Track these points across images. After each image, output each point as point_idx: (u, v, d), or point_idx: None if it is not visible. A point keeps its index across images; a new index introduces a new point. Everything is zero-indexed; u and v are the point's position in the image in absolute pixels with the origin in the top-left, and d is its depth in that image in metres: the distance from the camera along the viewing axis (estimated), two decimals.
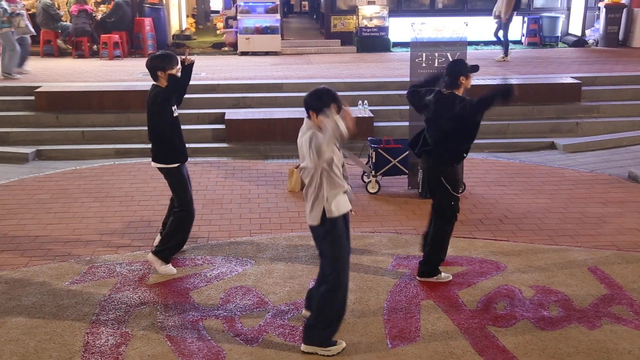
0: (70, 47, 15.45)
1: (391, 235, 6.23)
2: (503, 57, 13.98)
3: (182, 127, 5.56)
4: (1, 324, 4.64)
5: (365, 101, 9.91)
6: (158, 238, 5.77)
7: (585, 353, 4.27)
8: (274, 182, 8.01)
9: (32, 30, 12.67)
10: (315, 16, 25.14)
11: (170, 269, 5.47)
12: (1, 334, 4.51)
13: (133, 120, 10.15)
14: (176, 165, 5.42)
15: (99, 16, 15.68)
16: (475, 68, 5.18)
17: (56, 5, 16.13)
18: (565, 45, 16.84)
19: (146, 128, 5.49)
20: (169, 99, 5.31)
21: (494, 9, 14.22)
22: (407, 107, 8.04)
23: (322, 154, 3.88)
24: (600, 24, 16.27)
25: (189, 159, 5.61)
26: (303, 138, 4.04)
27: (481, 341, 4.40)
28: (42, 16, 15.12)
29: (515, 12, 14.00)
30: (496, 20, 14.13)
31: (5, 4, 11.73)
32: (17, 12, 12.16)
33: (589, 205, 7.10)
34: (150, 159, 5.57)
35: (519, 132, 10.37)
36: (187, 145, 5.60)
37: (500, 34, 14.14)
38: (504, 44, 14.14)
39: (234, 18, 16.77)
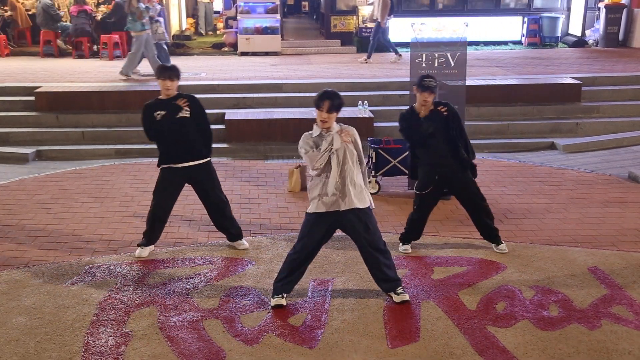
0: (70, 48, 15.46)
1: (391, 235, 6.21)
2: (397, 58, 14.21)
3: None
4: (1, 324, 4.64)
5: (366, 101, 9.91)
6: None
7: (585, 353, 4.26)
8: (274, 182, 8.01)
9: (168, 37, 12.72)
10: (315, 16, 25.14)
11: (139, 251, 5.79)
12: (1, 334, 4.51)
13: (133, 120, 10.12)
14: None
15: (99, 16, 15.69)
16: (425, 88, 5.38)
17: (56, 6, 16.14)
18: (565, 46, 16.84)
19: None
20: None
21: (369, 13, 14.60)
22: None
23: None
24: (600, 24, 16.26)
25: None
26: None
27: (481, 341, 4.40)
28: (42, 16, 15.14)
29: (392, 15, 14.43)
30: (373, 23, 14.46)
31: (143, 6, 11.73)
32: (156, 19, 12.28)
33: (589, 205, 7.10)
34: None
35: (519, 132, 10.37)
36: None
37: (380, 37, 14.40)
38: (390, 45, 14.48)
39: (234, 18, 16.78)
